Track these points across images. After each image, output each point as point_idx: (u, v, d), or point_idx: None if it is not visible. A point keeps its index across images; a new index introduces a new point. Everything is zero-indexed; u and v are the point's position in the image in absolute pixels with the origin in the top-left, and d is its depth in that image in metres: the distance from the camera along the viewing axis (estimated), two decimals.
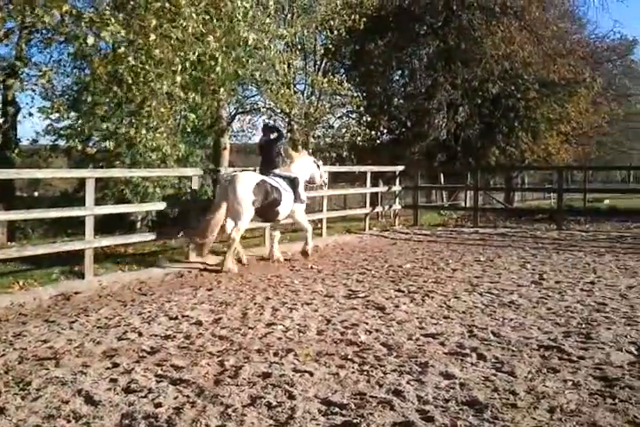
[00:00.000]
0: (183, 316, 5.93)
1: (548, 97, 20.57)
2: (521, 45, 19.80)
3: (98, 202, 8.36)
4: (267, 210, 8.93)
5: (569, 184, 35.86)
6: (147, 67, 8.74)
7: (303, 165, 10.00)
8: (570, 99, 21.11)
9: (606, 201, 29.29)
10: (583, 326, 5.51)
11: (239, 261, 9.02)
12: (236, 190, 8.51)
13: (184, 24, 8.92)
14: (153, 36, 8.80)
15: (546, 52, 20.05)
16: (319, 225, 12.78)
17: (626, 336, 5.13)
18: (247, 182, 8.63)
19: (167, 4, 8.36)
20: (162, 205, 10.12)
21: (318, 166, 10.44)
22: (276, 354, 4.68)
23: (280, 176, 9.36)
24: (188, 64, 9.36)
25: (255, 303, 6.47)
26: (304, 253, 9.74)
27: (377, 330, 5.36)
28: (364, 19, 16.25)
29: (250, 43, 10.34)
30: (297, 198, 9.42)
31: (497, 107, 20.78)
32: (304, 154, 10.44)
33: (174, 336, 5.21)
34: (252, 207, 8.60)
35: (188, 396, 3.85)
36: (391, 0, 20.47)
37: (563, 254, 10.03)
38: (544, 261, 9.31)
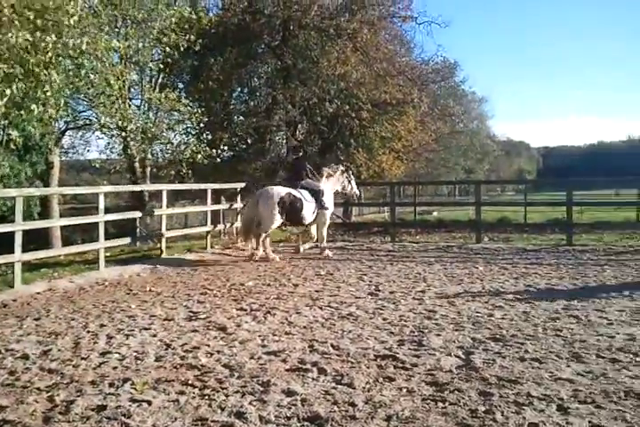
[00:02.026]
0: (7, 350, 5.44)
1: (380, 116, 21.68)
2: (354, 66, 20.72)
3: None
4: (292, 216, 11.31)
5: (401, 198, 38.11)
6: None
7: (333, 180, 12.31)
8: (400, 118, 22.41)
9: (434, 213, 31.52)
10: (415, 333, 5.83)
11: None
12: (265, 202, 11.01)
13: (12, 33, 8.34)
14: None
15: (377, 72, 21.14)
16: (158, 245, 12.41)
17: (454, 341, 5.50)
18: (274, 196, 11.03)
19: None
20: None
21: (349, 181, 12.72)
22: (111, 385, 4.44)
23: (305, 188, 11.61)
24: (18, 75, 8.73)
25: (88, 331, 6.09)
26: (297, 250, 12.29)
27: (219, 351, 5.28)
28: (202, 35, 16.13)
29: (84, 48, 9.86)
30: (320, 206, 11.62)
31: (334, 125, 21.54)
32: (337, 170, 12.49)
33: None
34: (277, 215, 11.05)
35: None
36: (230, 18, 20.56)
37: (396, 265, 10.57)
38: (379, 273, 9.75)
